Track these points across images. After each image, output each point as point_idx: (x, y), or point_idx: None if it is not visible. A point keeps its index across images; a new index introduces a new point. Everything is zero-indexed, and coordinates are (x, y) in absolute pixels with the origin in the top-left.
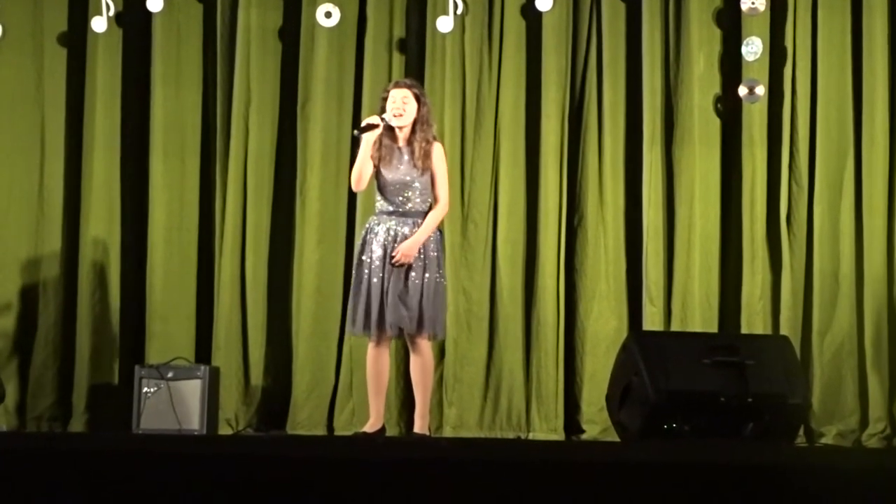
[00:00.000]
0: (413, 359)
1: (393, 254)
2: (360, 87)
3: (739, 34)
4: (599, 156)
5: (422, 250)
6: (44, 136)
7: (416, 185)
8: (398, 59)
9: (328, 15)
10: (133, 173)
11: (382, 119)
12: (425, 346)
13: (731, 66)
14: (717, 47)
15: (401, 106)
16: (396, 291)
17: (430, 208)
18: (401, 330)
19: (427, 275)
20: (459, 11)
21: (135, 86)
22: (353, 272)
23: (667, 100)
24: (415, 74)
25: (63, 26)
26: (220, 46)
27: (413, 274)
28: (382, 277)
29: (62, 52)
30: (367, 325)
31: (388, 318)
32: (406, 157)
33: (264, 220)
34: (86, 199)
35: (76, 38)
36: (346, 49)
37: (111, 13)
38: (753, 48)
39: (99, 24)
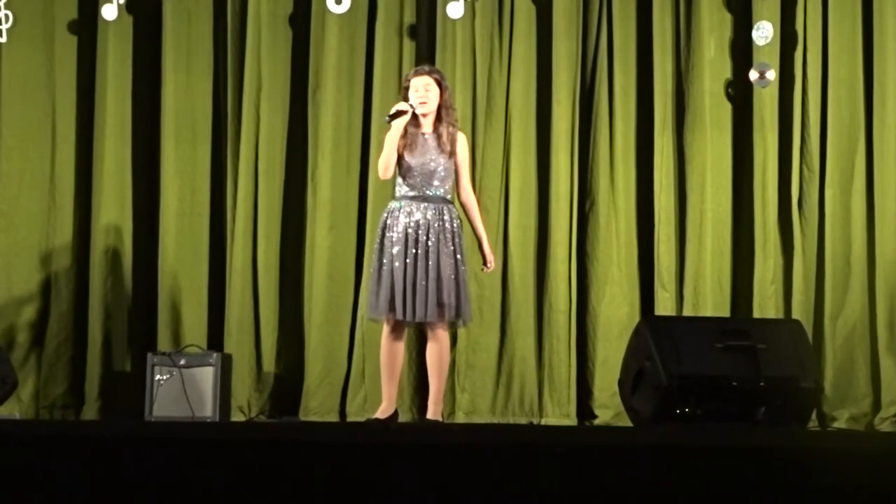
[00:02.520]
0: (430, 345)
1: (486, 267)
2: (370, 74)
3: (750, 18)
4: (611, 141)
5: (445, 239)
6: (55, 124)
7: (441, 170)
8: (409, 46)
9: (338, 1)
10: (144, 160)
11: (411, 105)
12: (443, 333)
13: (742, 51)
14: (727, 32)
15: (424, 94)
16: (421, 279)
17: (450, 193)
18: (437, 315)
19: (450, 261)
20: None
21: (145, 73)
22: (374, 256)
23: (678, 85)
24: (425, 60)
25: (73, 14)
26: (230, 33)
27: (439, 261)
28: (405, 262)
29: (73, 41)
30: (391, 309)
31: (418, 305)
32: (432, 143)
33: (276, 206)
34: (97, 186)
35: (86, 26)
36: (356, 35)
37: (121, 1)
38: (764, 32)
39: (109, 11)
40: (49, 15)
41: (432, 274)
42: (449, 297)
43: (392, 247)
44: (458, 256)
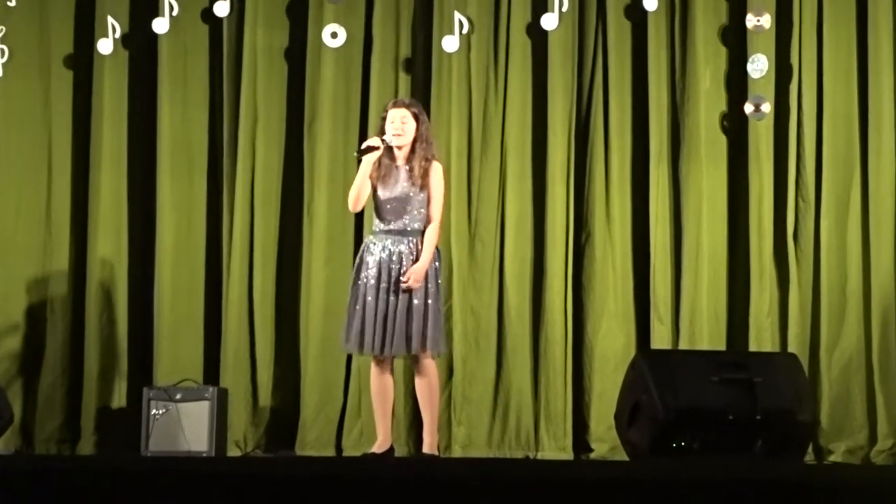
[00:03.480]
0: (418, 378)
1: (403, 279)
2: (366, 106)
3: (745, 51)
4: (606, 173)
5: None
6: (51, 156)
7: (414, 203)
8: (404, 79)
9: (334, 35)
10: (140, 193)
11: (383, 140)
12: (429, 365)
13: (738, 83)
14: (722, 64)
15: (399, 126)
16: (394, 312)
17: (423, 225)
18: (405, 348)
19: (424, 294)
20: (465, 30)
21: (142, 106)
22: (349, 290)
23: (673, 116)
24: (421, 93)
25: (69, 48)
26: (226, 67)
27: (411, 294)
28: (377, 297)
29: (69, 74)
30: (361, 344)
31: (386, 338)
32: (404, 176)
33: (272, 239)
34: (93, 219)
35: (83, 60)
36: (352, 68)
37: (117, 35)
38: (759, 65)
39: (105, 45)
40: (45, 49)
41: (402, 307)
42: (418, 329)
43: (367, 281)
44: (431, 289)
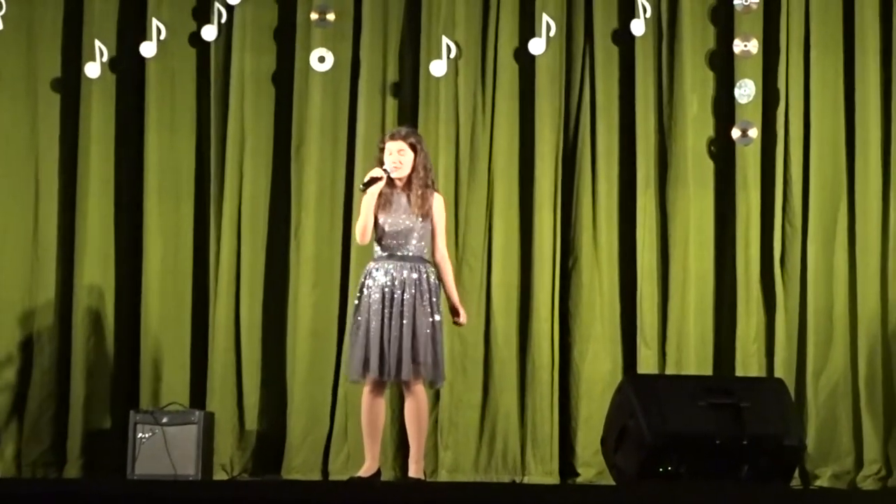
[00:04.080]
0: (408, 403)
1: (458, 321)
2: (353, 131)
3: (732, 77)
4: (593, 198)
5: (422, 297)
6: (38, 181)
7: (415, 231)
8: (391, 103)
9: (321, 59)
10: (127, 218)
11: (384, 171)
12: (420, 390)
13: (725, 109)
14: (710, 90)
15: (397, 158)
16: (396, 337)
17: (426, 253)
18: (413, 373)
19: (426, 320)
20: (452, 55)
21: (129, 131)
22: (352, 317)
23: (660, 142)
24: (408, 118)
25: (57, 72)
26: (213, 91)
27: (414, 319)
28: (382, 323)
29: (56, 98)
30: (365, 370)
31: (392, 363)
32: (404, 204)
33: (259, 263)
34: (80, 243)
35: (70, 84)
36: (339, 93)
37: (105, 59)
38: (746, 90)
39: (92, 69)
40: (32, 72)
41: (407, 332)
42: (425, 356)
43: (369, 307)
44: (435, 317)
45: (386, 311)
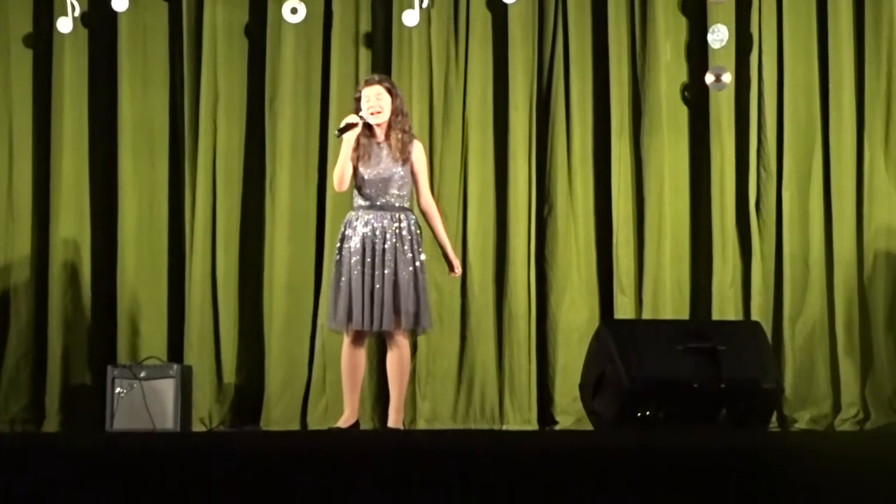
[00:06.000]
0: (390, 353)
1: (454, 273)
2: (327, 83)
3: (705, 22)
4: (568, 146)
5: (402, 245)
6: (11, 137)
7: (396, 178)
8: (365, 54)
9: (294, 11)
10: (102, 173)
11: (360, 117)
12: (402, 340)
13: (698, 55)
14: (683, 36)
15: (375, 103)
16: (379, 288)
17: (406, 201)
18: (395, 323)
19: (408, 269)
20: (425, 5)
21: (102, 86)
22: (333, 267)
23: (634, 89)
24: (382, 69)
25: (28, 27)
26: (186, 44)
27: (396, 268)
28: (363, 272)
29: (28, 54)
30: (349, 319)
31: (374, 313)
32: (385, 152)
33: (234, 217)
34: (55, 199)
35: (42, 40)
36: (312, 45)
37: (76, 13)
38: (719, 36)
39: (64, 24)
40: (3, 28)
41: (388, 281)
42: (406, 305)
43: (350, 257)
44: (417, 264)
45: (367, 260)
